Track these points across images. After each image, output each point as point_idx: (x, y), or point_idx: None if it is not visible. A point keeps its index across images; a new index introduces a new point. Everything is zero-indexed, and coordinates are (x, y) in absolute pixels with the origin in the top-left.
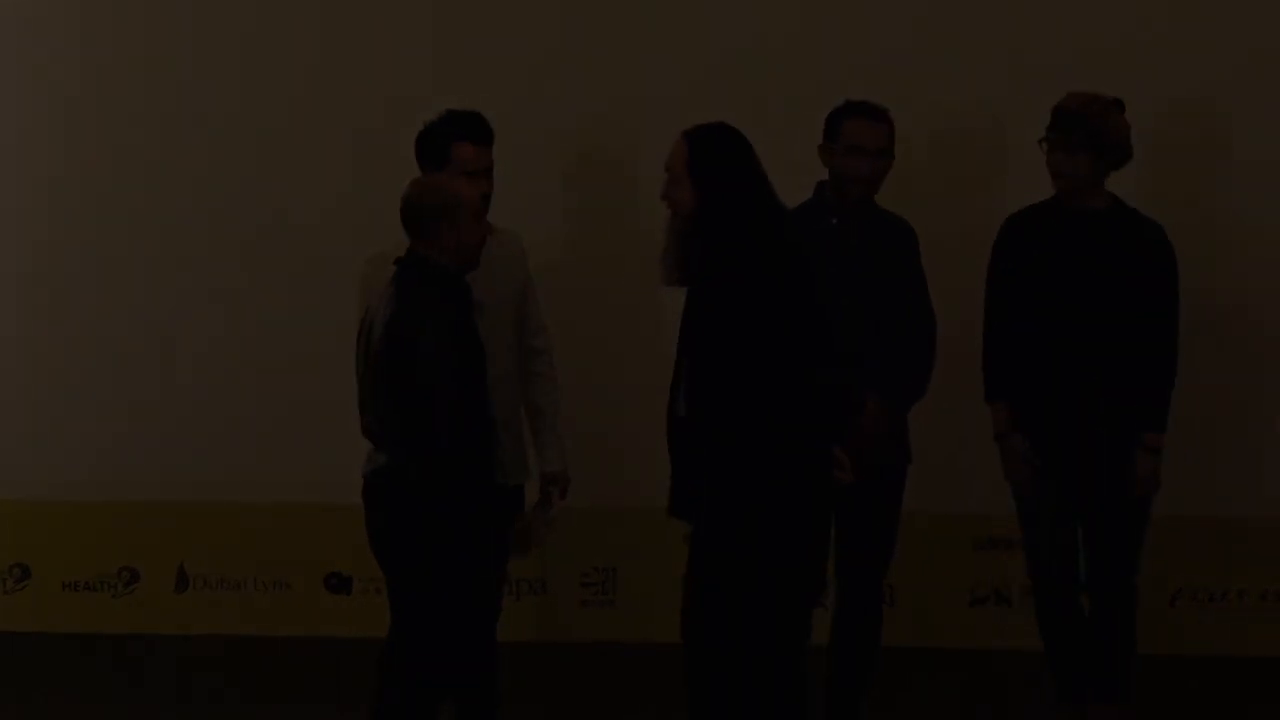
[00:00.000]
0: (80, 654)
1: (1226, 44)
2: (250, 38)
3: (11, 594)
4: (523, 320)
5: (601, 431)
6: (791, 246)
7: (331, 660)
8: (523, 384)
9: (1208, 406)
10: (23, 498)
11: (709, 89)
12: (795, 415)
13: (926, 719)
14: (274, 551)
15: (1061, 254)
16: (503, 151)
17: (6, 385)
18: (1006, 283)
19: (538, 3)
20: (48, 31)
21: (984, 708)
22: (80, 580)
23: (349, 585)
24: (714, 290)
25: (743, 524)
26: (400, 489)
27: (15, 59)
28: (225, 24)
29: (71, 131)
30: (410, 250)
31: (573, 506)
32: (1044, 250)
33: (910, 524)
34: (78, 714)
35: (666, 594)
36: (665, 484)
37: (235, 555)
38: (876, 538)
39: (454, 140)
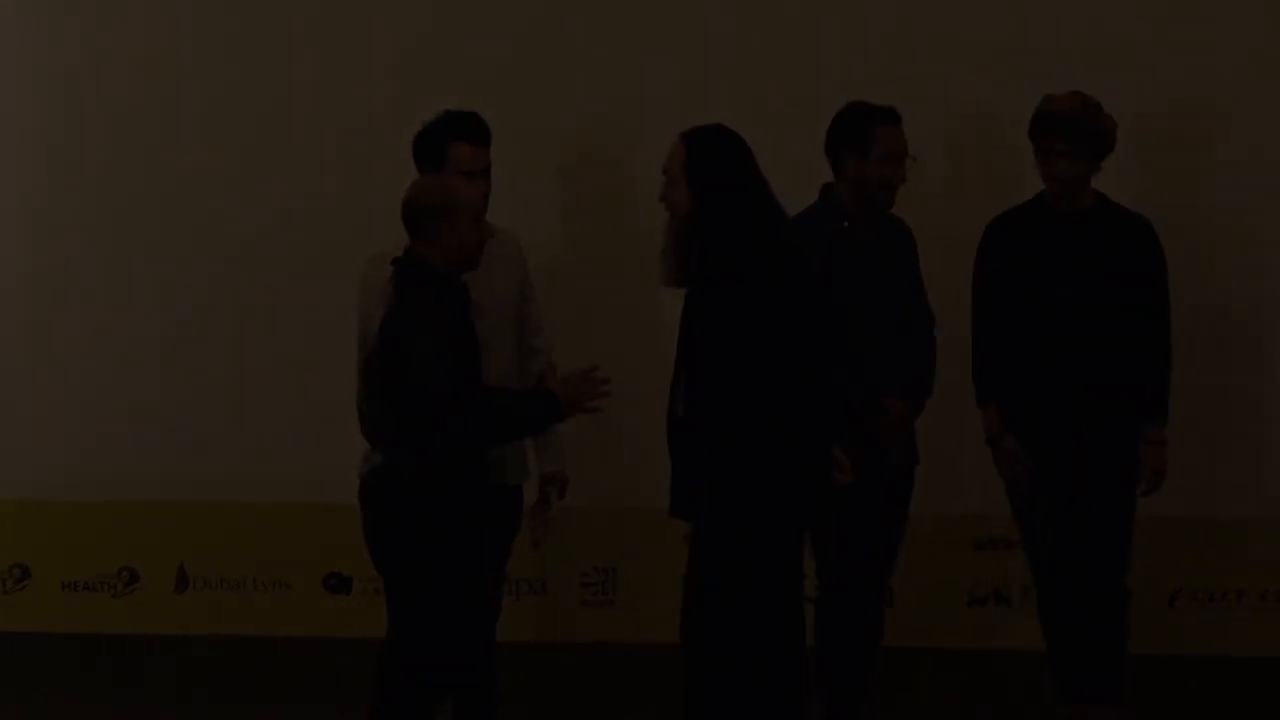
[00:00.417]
0: (80, 654)
1: (1221, 43)
2: (251, 37)
3: (11, 594)
4: (522, 320)
5: (601, 431)
6: (790, 248)
7: (331, 660)
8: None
9: (1208, 406)
10: (23, 498)
11: (709, 89)
12: (794, 416)
13: (926, 719)
14: (274, 551)
15: (1052, 254)
16: (501, 151)
17: (6, 385)
18: (995, 285)
19: (537, 2)
20: (48, 32)
21: (984, 708)
22: (80, 580)
23: (349, 585)
24: (712, 292)
25: (742, 524)
26: (395, 489)
27: (15, 59)
28: (226, 24)
29: (71, 132)
30: (408, 250)
31: (573, 506)
32: (1034, 251)
33: (910, 524)
34: (78, 714)
35: (666, 594)
36: (665, 484)
37: (235, 555)
38: (886, 538)
39: (451, 140)
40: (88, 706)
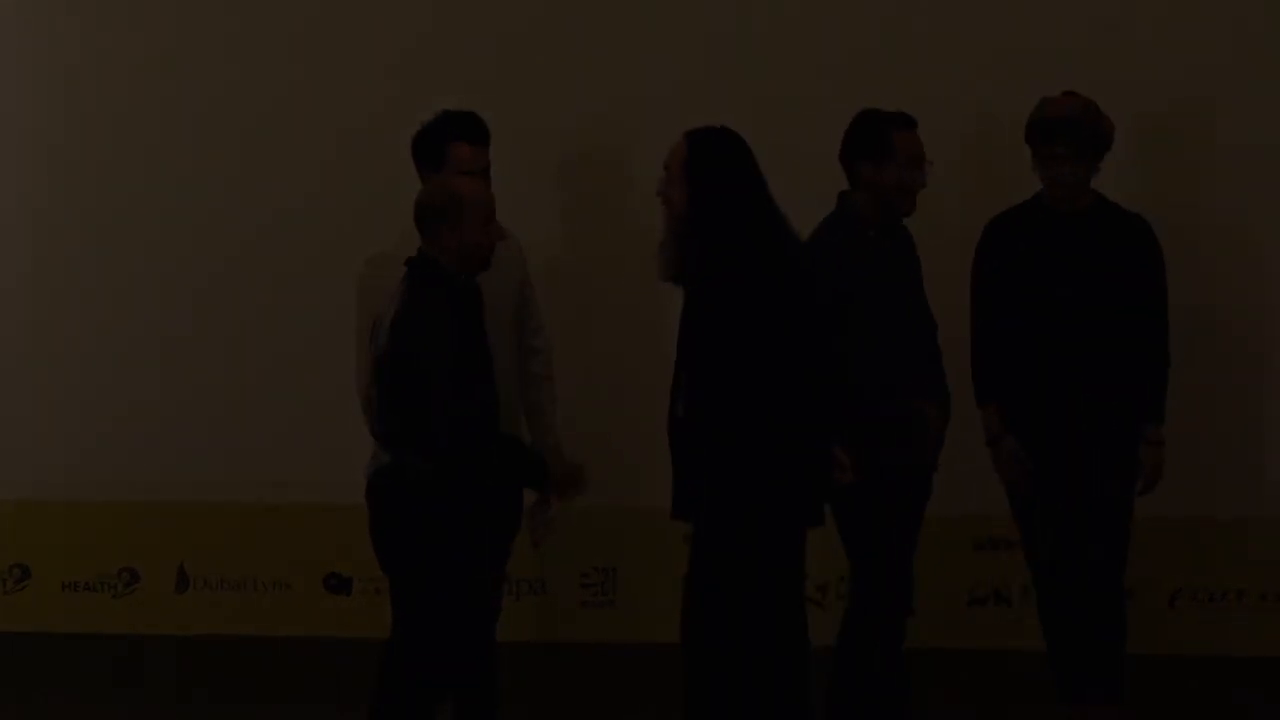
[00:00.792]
0: (80, 654)
1: (1221, 43)
2: (251, 37)
3: (11, 594)
4: (522, 320)
5: (601, 431)
6: (787, 249)
7: (331, 660)
8: (521, 384)
9: (1208, 406)
10: (23, 498)
11: (709, 89)
12: (793, 416)
13: (926, 719)
14: (274, 551)
15: (1052, 254)
16: (501, 151)
17: (6, 385)
18: (995, 285)
19: (537, 2)
20: (48, 32)
21: (984, 708)
22: (80, 580)
23: (349, 585)
24: (710, 292)
25: (742, 524)
26: (401, 489)
27: (15, 59)
28: (226, 24)
29: (71, 132)
30: (420, 250)
31: (573, 506)
32: (1033, 251)
33: None
34: (78, 714)
35: (666, 594)
36: (665, 484)
37: (235, 555)
38: (914, 538)
39: (450, 140)
40: (88, 706)
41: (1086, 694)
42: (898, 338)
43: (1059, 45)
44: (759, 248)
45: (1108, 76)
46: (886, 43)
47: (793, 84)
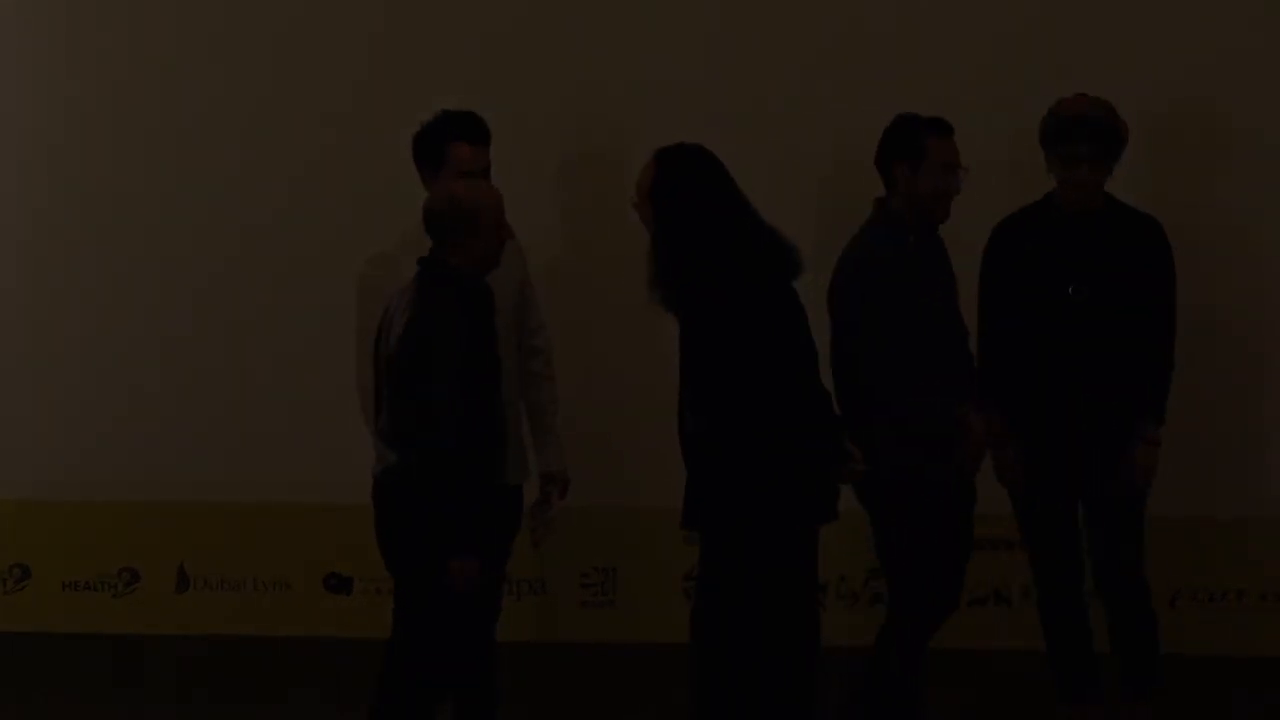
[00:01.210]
0: (80, 654)
1: (1221, 43)
2: (250, 37)
3: (11, 594)
4: (522, 320)
5: (601, 431)
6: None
7: (331, 660)
8: (522, 384)
9: (1208, 406)
10: (23, 498)
11: (709, 89)
12: (793, 416)
13: (926, 719)
14: (274, 551)
15: (1063, 255)
16: (501, 151)
17: (6, 385)
18: (1007, 287)
19: (537, 2)
20: (48, 32)
21: (984, 708)
22: (80, 580)
23: (349, 585)
24: (692, 310)
25: (754, 525)
26: (407, 488)
27: (15, 59)
28: (226, 24)
29: (70, 132)
30: (432, 251)
31: (572, 506)
32: (1044, 252)
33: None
34: (78, 714)
35: (666, 594)
36: (665, 484)
37: (235, 555)
38: (969, 546)
39: (450, 141)
40: (88, 706)
41: (1087, 694)
42: (940, 345)
43: (1059, 45)
44: (734, 260)
45: (1108, 76)
46: (887, 43)
47: (793, 84)
